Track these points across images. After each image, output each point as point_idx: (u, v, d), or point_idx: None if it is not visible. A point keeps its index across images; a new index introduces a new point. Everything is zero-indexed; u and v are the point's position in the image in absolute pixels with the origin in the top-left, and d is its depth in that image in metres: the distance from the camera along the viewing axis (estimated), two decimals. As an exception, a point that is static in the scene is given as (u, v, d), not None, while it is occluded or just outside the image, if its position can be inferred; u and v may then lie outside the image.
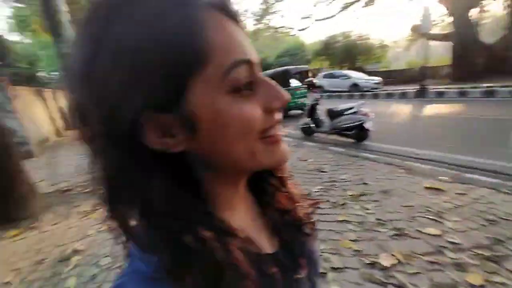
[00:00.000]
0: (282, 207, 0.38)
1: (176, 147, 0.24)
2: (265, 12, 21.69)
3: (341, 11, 19.47)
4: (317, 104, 5.24)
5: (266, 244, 0.34)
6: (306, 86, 5.61)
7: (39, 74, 11.57)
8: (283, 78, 8.13)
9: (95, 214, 2.76)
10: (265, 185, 0.38)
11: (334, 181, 2.97)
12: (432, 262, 1.59)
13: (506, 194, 2.31)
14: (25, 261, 2.08)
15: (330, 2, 19.15)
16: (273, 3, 21.09)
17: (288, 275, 0.32)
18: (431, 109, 7.31)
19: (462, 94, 9.06)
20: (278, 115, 0.28)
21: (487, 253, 1.62)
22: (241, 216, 0.33)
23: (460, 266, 1.55)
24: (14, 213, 2.76)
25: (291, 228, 0.38)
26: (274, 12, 21.18)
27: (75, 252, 2.11)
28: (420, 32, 10.92)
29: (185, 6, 0.22)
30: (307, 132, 5.52)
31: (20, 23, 21.11)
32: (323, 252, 1.77)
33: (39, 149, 6.87)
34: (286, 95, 0.27)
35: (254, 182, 0.37)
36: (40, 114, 8.21)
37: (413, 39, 22.28)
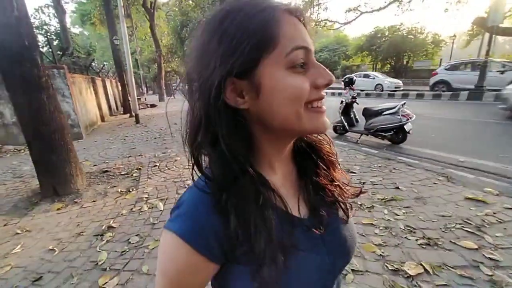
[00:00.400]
0: (321, 184, 0.44)
1: (243, 104, 0.34)
2: (307, 5, 20.95)
3: (392, 2, 17.96)
4: (353, 102, 5.03)
5: (295, 208, 0.40)
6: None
7: (93, 63, 12.81)
8: None
9: (128, 195, 3.05)
10: (310, 162, 0.45)
11: (363, 183, 2.87)
12: (464, 276, 1.49)
13: None
14: (66, 232, 2.34)
15: (381, -7, 17.67)
16: (318, -5, 20.13)
17: (307, 236, 0.39)
18: (486, 113, 6.53)
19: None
20: (323, 92, 0.35)
21: (531, 276, 1.47)
22: (279, 178, 0.41)
23: (495, 284, 1.42)
24: (62, 188, 3.13)
25: (324, 204, 0.43)
26: (318, 4, 20.30)
27: (109, 228, 2.34)
28: (487, 26, 9.47)
29: (267, 10, 0.32)
30: (339, 131, 5.35)
31: (82, 16, 23.50)
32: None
33: (86, 131, 7.70)
34: (330, 75, 0.34)
35: (302, 158, 0.45)
36: (90, 100, 9.17)
37: (474, 33, 19.79)
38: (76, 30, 32.43)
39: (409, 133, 4.23)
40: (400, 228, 2.00)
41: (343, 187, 0.46)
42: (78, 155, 3.43)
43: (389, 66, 22.44)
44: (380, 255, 1.72)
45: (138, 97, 15.71)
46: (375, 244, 1.83)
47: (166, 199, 2.87)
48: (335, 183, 0.45)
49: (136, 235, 2.18)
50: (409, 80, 18.37)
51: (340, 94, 13.78)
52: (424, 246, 1.78)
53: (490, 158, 3.43)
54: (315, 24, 23.46)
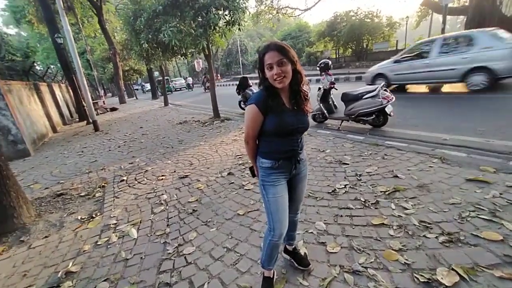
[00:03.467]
0: (297, 101, 1.29)
1: (265, 74, 1.25)
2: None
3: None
4: (331, 88, 4.84)
5: (287, 103, 1.28)
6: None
7: (36, 67, 11.21)
8: None
9: (91, 223, 2.50)
10: (294, 95, 1.29)
11: (359, 175, 2.66)
12: (503, 278, 1.31)
13: None
14: (8, 288, 1.78)
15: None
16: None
17: (288, 112, 1.26)
18: (446, 89, 6.83)
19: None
20: (275, 74, 1.17)
21: None
22: (284, 98, 1.27)
23: (539, 283, 1.26)
24: (1, 226, 2.47)
25: (297, 107, 1.29)
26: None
27: (68, 274, 1.83)
28: (437, 6, 9.90)
29: (264, 49, 1.21)
30: (319, 119, 5.17)
31: (15, 14, 20.44)
32: (364, 267, 1.50)
33: (34, 146, 6.64)
34: (275, 72, 1.17)
35: (294, 95, 1.29)
36: (35, 110, 7.93)
37: (422, 14, 20.97)
38: (11, 31, 28.49)
39: (390, 115, 4.15)
40: (415, 224, 1.80)
41: (306, 104, 1.30)
42: (23, 178, 2.74)
43: (350, 50, 23.07)
44: (405, 263, 1.49)
45: (95, 101, 14.25)
46: (395, 250, 1.60)
47: (140, 222, 2.40)
48: (304, 101, 1.29)
49: (105, 280, 1.71)
50: (370, 63, 19.05)
51: (311, 80, 13.77)
52: (447, 245, 1.58)
53: (470, 133, 3.45)
54: (277, 12, 23.26)
